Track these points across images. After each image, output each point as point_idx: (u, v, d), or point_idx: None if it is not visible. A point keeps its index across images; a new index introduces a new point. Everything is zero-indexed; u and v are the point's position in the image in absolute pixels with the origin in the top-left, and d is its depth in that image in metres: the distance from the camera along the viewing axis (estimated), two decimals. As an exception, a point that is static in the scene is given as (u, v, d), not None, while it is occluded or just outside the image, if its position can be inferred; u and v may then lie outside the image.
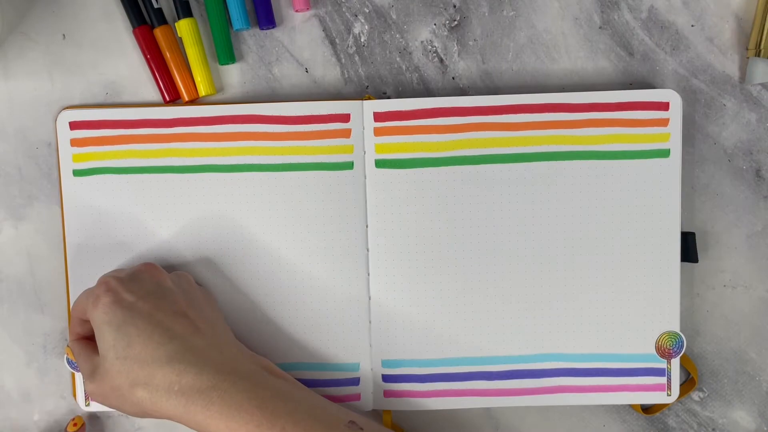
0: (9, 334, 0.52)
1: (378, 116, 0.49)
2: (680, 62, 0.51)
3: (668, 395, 0.50)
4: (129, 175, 0.50)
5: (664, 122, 0.49)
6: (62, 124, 0.50)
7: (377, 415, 0.52)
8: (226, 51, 0.51)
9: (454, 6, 0.51)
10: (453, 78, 0.52)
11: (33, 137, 0.51)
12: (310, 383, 0.49)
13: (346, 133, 0.50)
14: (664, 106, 0.49)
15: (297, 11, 0.51)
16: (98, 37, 0.51)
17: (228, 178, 0.50)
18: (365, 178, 0.50)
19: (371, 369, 0.50)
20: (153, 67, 0.50)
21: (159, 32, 0.50)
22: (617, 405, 0.52)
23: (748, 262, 0.52)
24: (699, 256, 0.51)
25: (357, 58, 0.52)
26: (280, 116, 0.50)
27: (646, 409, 0.52)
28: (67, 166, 0.50)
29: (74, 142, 0.50)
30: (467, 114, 0.49)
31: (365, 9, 0.51)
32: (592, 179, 0.49)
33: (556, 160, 0.49)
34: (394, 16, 0.51)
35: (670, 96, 0.49)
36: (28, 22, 0.51)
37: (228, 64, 0.51)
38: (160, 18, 0.50)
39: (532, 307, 0.50)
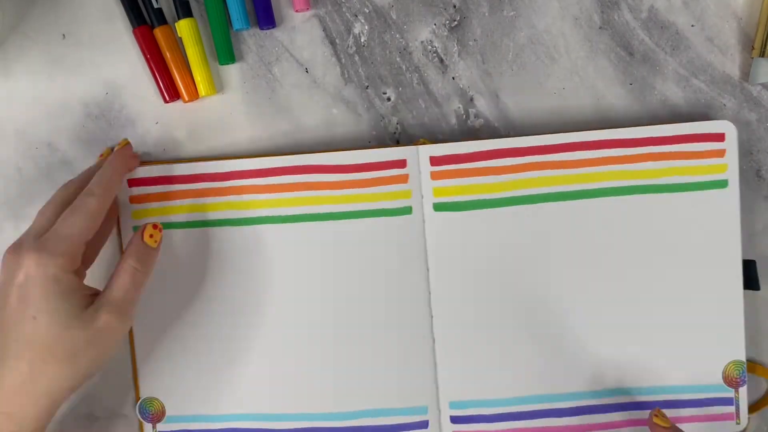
0: (9, 334, 0.52)
1: (434, 160, 0.49)
2: (680, 62, 0.51)
3: (737, 423, 0.50)
4: (187, 229, 0.50)
5: (720, 153, 0.49)
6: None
7: None
8: (226, 51, 0.51)
9: (454, 6, 0.51)
10: (453, 78, 0.52)
11: (33, 137, 0.51)
12: (378, 430, 0.50)
13: (404, 179, 0.49)
14: (719, 137, 0.49)
15: (297, 11, 0.51)
16: (98, 37, 0.51)
17: (285, 230, 0.50)
18: (424, 222, 0.50)
19: (439, 411, 0.50)
20: (153, 67, 0.50)
21: (159, 32, 0.50)
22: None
23: (748, 262, 0.52)
24: (761, 284, 0.51)
25: (357, 58, 0.52)
26: (337, 165, 0.49)
27: None
28: (126, 223, 0.50)
29: (132, 199, 0.50)
30: (523, 154, 0.49)
31: (365, 9, 0.51)
32: (651, 213, 0.49)
33: (613, 195, 0.49)
34: (394, 16, 0.51)
35: (726, 127, 0.49)
36: (28, 22, 0.51)
37: (228, 64, 0.51)
38: (160, 18, 0.50)
39: (598, 342, 0.50)
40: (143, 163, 0.50)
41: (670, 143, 0.49)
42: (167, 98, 0.51)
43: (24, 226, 0.52)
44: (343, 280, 0.50)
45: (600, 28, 0.52)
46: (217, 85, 0.51)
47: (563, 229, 0.50)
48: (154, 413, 0.51)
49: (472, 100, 0.52)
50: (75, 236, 0.44)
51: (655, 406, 0.50)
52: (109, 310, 0.44)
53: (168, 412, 0.50)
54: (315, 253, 0.50)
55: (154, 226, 0.47)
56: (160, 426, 0.51)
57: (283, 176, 0.50)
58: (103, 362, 0.45)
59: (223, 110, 0.52)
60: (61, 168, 0.51)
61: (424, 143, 0.50)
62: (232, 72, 0.52)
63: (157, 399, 0.50)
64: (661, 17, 0.51)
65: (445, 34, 0.52)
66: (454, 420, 0.50)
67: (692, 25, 0.51)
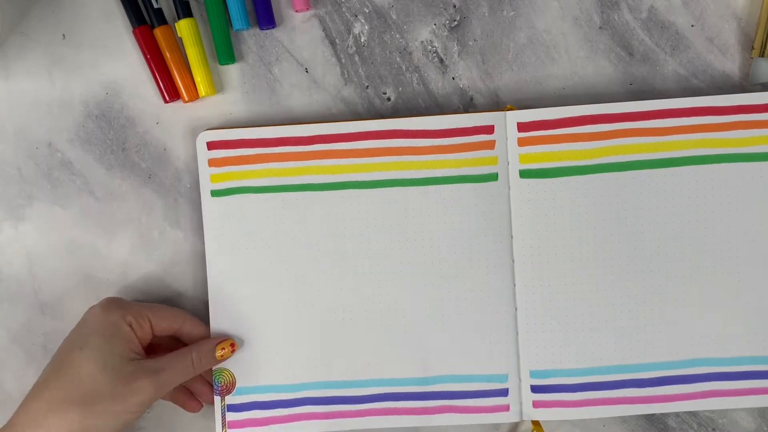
0: (9, 334, 0.52)
1: (522, 126, 0.49)
2: (680, 62, 0.51)
3: None
4: (268, 194, 0.50)
5: None
6: (201, 144, 0.50)
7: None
8: (226, 51, 0.51)
9: (454, 6, 0.51)
10: (453, 78, 0.52)
11: (33, 137, 0.51)
12: (458, 395, 0.50)
13: (491, 145, 0.49)
14: None
15: (297, 11, 0.51)
16: (98, 37, 0.51)
17: (370, 194, 0.50)
18: (509, 188, 0.49)
19: (519, 380, 0.50)
20: (153, 67, 0.50)
21: (159, 32, 0.50)
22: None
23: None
24: None
25: (357, 58, 0.52)
26: (425, 130, 0.49)
27: None
28: (205, 187, 0.50)
29: (212, 162, 0.50)
30: (613, 120, 0.49)
31: (365, 9, 0.51)
32: (743, 182, 0.49)
33: (704, 164, 0.49)
34: (394, 16, 0.51)
35: None
36: (28, 22, 0.51)
37: (228, 64, 0.51)
38: (160, 18, 0.50)
39: (682, 311, 0.50)
40: (222, 128, 0.50)
41: (761, 111, 0.49)
42: (167, 98, 0.51)
43: (24, 226, 0.52)
44: (426, 246, 0.50)
45: (600, 28, 0.52)
46: (217, 85, 0.51)
47: (651, 198, 0.49)
48: (224, 385, 0.50)
49: (472, 100, 0.52)
50: (150, 313, 0.47)
51: (738, 377, 0.50)
52: (150, 377, 0.44)
53: (239, 384, 0.50)
54: (398, 219, 0.50)
55: (232, 345, 0.49)
56: (229, 399, 0.50)
57: (367, 141, 0.49)
58: (110, 428, 0.43)
59: (223, 110, 0.52)
60: (61, 168, 0.51)
61: (510, 109, 0.50)
62: (232, 72, 0.52)
63: (227, 370, 0.50)
64: (661, 17, 0.51)
65: (445, 34, 0.52)
66: (535, 389, 0.50)
67: (692, 25, 0.51)
